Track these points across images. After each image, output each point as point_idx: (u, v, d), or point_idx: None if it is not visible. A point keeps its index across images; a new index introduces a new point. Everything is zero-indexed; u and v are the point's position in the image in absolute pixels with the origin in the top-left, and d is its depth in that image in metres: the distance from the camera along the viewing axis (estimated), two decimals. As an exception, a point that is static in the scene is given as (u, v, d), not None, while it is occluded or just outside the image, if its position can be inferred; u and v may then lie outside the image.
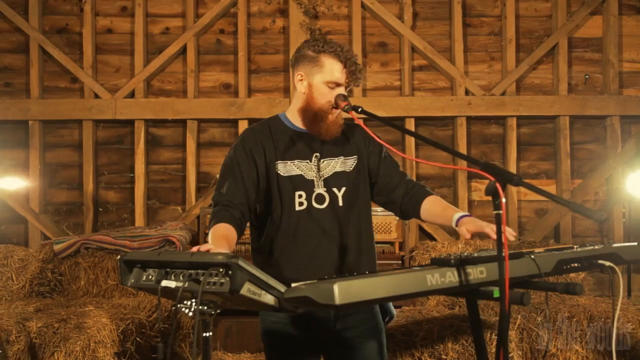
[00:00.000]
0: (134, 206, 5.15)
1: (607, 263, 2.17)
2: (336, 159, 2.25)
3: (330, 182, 2.22)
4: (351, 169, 2.27)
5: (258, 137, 2.24)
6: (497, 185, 1.68)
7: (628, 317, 3.65)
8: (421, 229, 5.13)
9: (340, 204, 2.21)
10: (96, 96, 5.12)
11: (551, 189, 5.23)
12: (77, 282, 4.38)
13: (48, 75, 5.21)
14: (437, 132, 5.27)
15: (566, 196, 5.12)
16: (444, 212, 2.19)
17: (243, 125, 5.09)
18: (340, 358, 2.25)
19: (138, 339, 3.58)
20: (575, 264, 2.15)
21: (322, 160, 2.23)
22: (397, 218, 4.53)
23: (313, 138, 2.23)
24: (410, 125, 5.12)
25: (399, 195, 2.30)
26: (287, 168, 2.20)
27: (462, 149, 5.13)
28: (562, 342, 3.62)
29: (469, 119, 5.19)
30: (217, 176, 4.79)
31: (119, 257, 1.84)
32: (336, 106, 2.17)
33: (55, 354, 3.33)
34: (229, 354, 4.32)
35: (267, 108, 5.06)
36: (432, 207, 2.25)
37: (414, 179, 5.04)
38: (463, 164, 5.15)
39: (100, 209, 5.21)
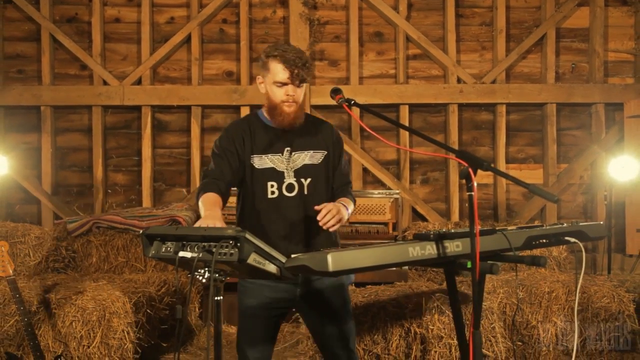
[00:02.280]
0: (141, 188, 5.42)
1: (572, 239, 2.42)
2: (306, 152, 2.54)
3: (300, 173, 2.52)
4: (319, 161, 2.57)
5: (239, 131, 2.54)
6: (470, 170, 1.93)
7: (604, 292, 3.92)
8: (414, 210, 5.41)
9: (306, 192, 2.52)
10: (105, 83, 5.37)
11: (538, 172, 5.51)
12: (89, 259, 4.66)
13: (58, 62, 5.46)
14: (430, 119, 5.52)
15: (552, 180, 5.39)
16: None
17: (245, 111, 5.34)
18: (304, 314, 2.60)
19: (148, 311, 3.85)
20: (544, 240, 2.41)
21: (293, 154, 2.52)
22: (391, 200, 4.82)
23: (285, 133, 2.52)
24: (405, 111, 5.37)
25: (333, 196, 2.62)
26: (261, 161, 2.50)
27: (454, 134, 5.39)
28: (542, 315, 3.89)
29: (461, 106, 5.44)
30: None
31: (141, 231, 2.10)
32: (334, 93, 2.43)
33: (74, 324, 3.60)
34: (232, 326, 4.62)
35: (268, 95, 5.30)
36: None
37: (408, 163, 5.35)
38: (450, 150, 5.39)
39: (109, 191, 5.48)
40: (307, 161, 2.53)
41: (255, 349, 2.55)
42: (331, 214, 2.31)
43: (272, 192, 2.50)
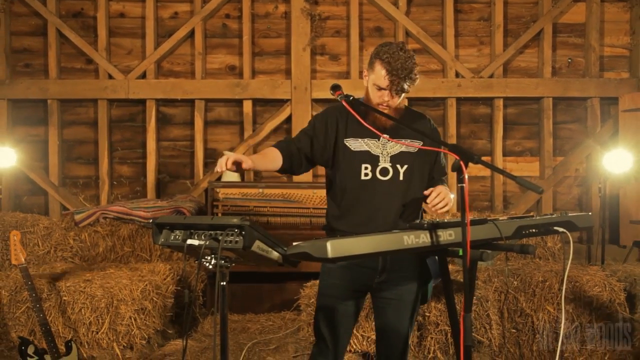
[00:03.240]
0: (145, 180, 5.54)
1: (560, 229, 2.54)
2: (403, 140, 2.61)
3: (396, 159, 2.61)
4: (414, 150, 2.64)
5: (336, 113, 2.66)
6: (461, 163, 2.05)
7: (595, 281, 4.05)
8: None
9: (401, 178, 2.61)
10: (110, 77, 5.48)
11: (535, 165, 5.62)
12: (96, 248, 4.79)
13: (65, 56, 5.57)
14: (429, 112, 5.61)
15: (548, 172, 5.51)
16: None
17: (247, 105, 5.47)
18: (376, 304, 2.69)
19: (154, 299, 3.97)
20: (533, 230, 2.53)
21: (390, 140, 2.60)
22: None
23: (384, 120, 2.59)
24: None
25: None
26: (357, 144, 2.61)
27: (452, 127, 5.50)
28: (536, 303, 4.02)
29: (459, 99, 5.55)
30: (224, 152, 5.18)
31: (145, 222, 2.22)
32: (333, 90, 2.55)
33: (83, 310, 3.74)
34: (235, 314, 4.76)
35: (269, 89, 5.43)
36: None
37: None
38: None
39: (115, 182, 5.60)
40: (404, 149, 2.62)
41: (333, 328, 2.64)
42: (440, 197, 2.42)
43: (366, 174, 2.59)
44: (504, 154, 5.57)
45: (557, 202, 5.59)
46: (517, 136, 5.65)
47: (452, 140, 5.44)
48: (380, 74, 2.49)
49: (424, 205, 2.52)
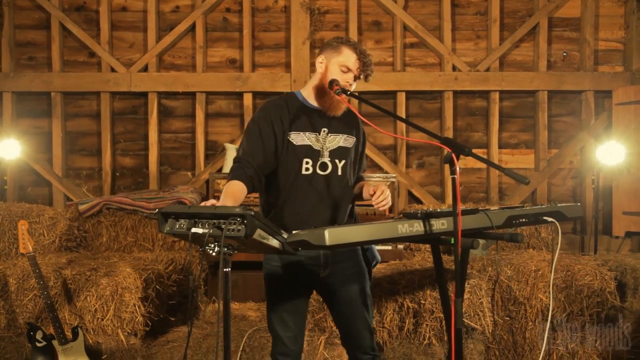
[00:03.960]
0: (147, 171, 5.64)
1: (549, 219, 2.65)
2: (340, 135, 2.71)
3: (334, 154, 2.69)
4: (350, 146, 2.76)
5: (277, 109, 2.69)
6: (453, 155, 2.15)
7: (587, 270, 4.14)
8: (410, 194, 5.63)
9: (339, 173, 2.70)
10: (112, 70, 5.58)
11: (530, 157, 5.73)
12: (99, 238, 4.89)
13: (68, 50, 5.66)
14: (426, 105, 5.73)
15: (543, 164, 5.61)
16: (358, 187, 2.79)
17: (248, 98, 5.56)
18: (328, 298, 2.78)
19: (157, 287, 4.07)
20: (523, 219, 2.64)
21: (329, 135, 2.69)
22: (388, 184, 5.04)
23: (323, 115, 2.69)
24: (402, 98, 5.58)
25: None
26: (299, 137, 2.66)
27: (449, 120, 5.60)
28: (529, 292, 4.13)
29: (456, 93, 5.64)
30: (225, 144, 5.28)
31: (156, 210, 2.32)
32: (331, 87, 2.64)
33: (88, 298, 3.84)
34: (236, 302, 4.84)
35: (269, 82, 5.52)
36: (356, 187, 2.82)
37: (404, 148, 5.56)
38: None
39: (117, 174, 5.70)
40: (341, 143, 2.71)
41: (285, 326, 2.71)
42: (384, 196, 2.50)
43: (307, 169, 2.64)
44: (500, 147, 5.67)
45: (551, 194, 5.69)
46: (512, 129, 5.74)
47: (449, 132, 5.55)
48: (351, 57, 2.63)
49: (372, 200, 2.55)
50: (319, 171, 2.65)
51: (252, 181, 2.59)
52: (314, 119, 2.68)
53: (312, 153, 2.65)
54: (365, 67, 2.64)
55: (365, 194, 2.65)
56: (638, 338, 3.93)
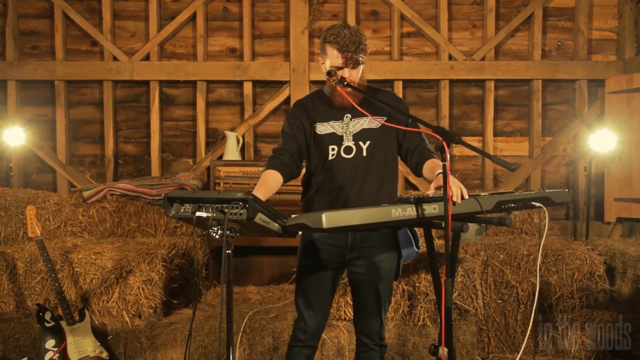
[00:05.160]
0: (149, 158, 5.75)
1: (537, 204, 2.77)
2: (365, 118, 2.80)
3: (358, 136, 2.80)
4: (377, 127, 2.82)
5: (303, 107, 2.86)
6: (444, 143, 2.27)
7: (577, 254, 4.28)
8: (407, 180, 5.75)
9: (365, 154, 2.80)
10: (115, 59, 5.67)
11: (524, 145, 5.84)
12: (103, 224, 5.02)
13: (70, 39, 5.75)
14: (422, 94, 5.84)
15: (537, 152, 5.72)
16: (431, 172, 2.77)
17: (248, 86, 5.67)
18: (351, 277, 2.89)
19: (160, 270, 4.20)
20: (512, 204, 2.75)
21: (352, 120, 2.81)
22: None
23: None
24: (399, 87, 5.69)
25: (414, 158, 2.88)
26: (323, 127, 2.81)
27: (445, 109, 5.71)
28: (521, 276, 4.26)
29: (452, 81, 5.75)
30: (225, 132, 5.37)
31: (160, 195, 2.44)
32: (329, 75, 2.75)
33: (94, 281, 3.97)
34: (236, 287, 4.99)
35: (269, 71, 5.63)
36: (426, 167, 2.85)
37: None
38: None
39: (120, 161, 5.81)
40: (366, 126, 2.80)
41: (311, 307, 2.84)
42: (458, 189, 2.42)
43: (332, 155, 2.78)
44: (495, 134, 5.77)
45: (545, 181, 5.80)
46: (507, 117, 5.85)
47: (445, 121, 5.66)
48: (333, 55, 2.71)
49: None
50: (343, 155, 2.78)
51: (289, 168, 2.78)
52: (337, 108, 2.80)
53: (336, 139, 2.79)
54: (349, 61, 2.69)
55: (431, 189, 2.55)
56: (627, 320, 4.06)
